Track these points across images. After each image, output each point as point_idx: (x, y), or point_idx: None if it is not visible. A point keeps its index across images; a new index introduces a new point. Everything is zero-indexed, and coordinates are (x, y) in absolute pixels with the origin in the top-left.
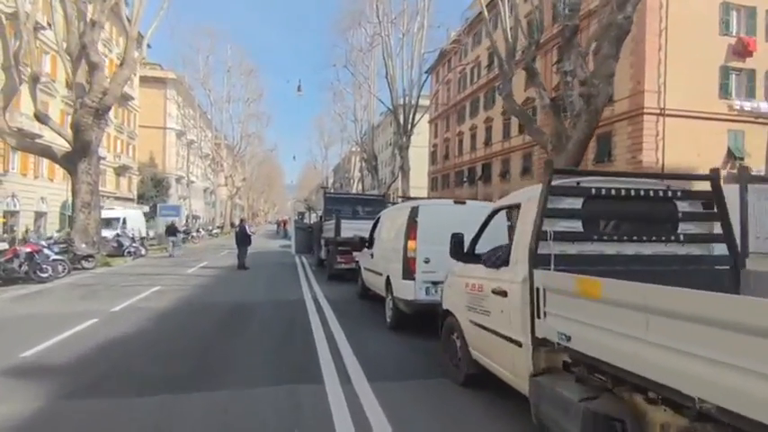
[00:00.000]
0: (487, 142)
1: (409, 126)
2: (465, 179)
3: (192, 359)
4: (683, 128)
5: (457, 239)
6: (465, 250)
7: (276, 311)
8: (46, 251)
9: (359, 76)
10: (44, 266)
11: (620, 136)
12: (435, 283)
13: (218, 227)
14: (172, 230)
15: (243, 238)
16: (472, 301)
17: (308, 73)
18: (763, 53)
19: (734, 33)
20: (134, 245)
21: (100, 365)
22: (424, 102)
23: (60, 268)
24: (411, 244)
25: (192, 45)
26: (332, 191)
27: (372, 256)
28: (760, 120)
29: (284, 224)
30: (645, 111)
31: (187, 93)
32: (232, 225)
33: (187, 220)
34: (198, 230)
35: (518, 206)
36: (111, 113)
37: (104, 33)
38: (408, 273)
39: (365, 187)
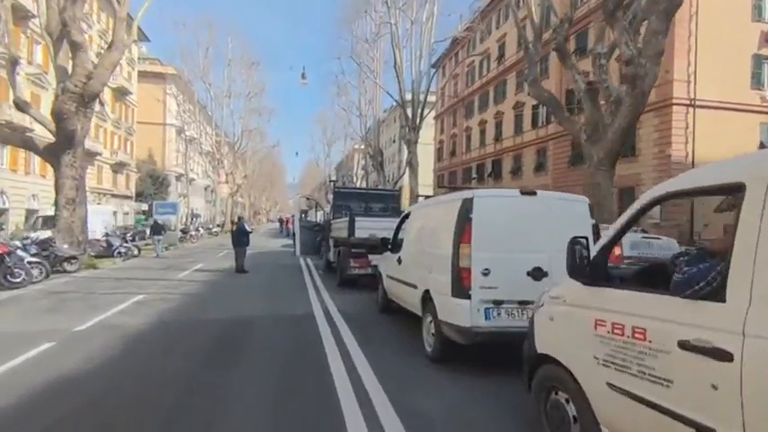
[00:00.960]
0: (497, 138)
1: (417, 120)
2: (474, 176)
3: (161, 416)
4: (713, 120)
5: (578, 247)
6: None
7: (280, 333)
8: (20, 253)
9: (364, 68)
10: (16, 270)
11: (645, 129)
12: (498, 303)
13: (217, 225)
14: (157, 229)
15: (240, 238)
16: (616, 352)
17: (310, 67)
18: None
19: (766, 20)
20: (125, 245)
21: (28, 427)
22: (430, 98)
23: (36, 272)
24: (464, 249)
25: (192, 37)
26: (342, 185)
27: (400, 261)
28: None
29: (287, 222)
30: (674, 101)
31: (187, 88)
32: (233, 223)
33: (186, 219)
34: (197, 229)
35: (737, 188)
36: (108, 108)
37: (101, 24)
38: (460, 289)
39: (369, 184)
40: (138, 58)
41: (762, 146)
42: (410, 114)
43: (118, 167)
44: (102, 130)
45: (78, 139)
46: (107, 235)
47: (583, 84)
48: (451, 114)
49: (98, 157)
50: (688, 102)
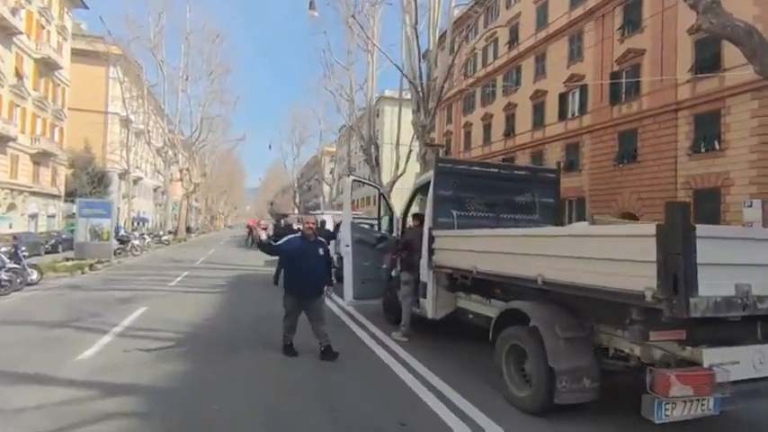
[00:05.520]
0: (508, 133)
1: (432, 102)
2: None
3: None
4: None
5: None
6: None
7: None
8: None
9: (357, 40)
10: None
11: (736, 115)
12: None
13: (169, 232)
14: None
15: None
16: None
17: (289, 50)
18: None
19: None
20: (13, 267)
21: None
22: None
23: None
24: None
25: (141, 4)
26: (449, 158)
27: None
28: None
29: (252, 230)
30: None
31: (133, 69)
32: (188, 230)
33: (131, 225)
34: (142, 236)
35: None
36: (29, 83)
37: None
38: None
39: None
40: (74, 35)
41: None
42: (423, 95)
43: (41, 158)
44: (18, 109)
45: None
46: None
47: None
48: (445, 110)
49: (12, 144)
50: None
